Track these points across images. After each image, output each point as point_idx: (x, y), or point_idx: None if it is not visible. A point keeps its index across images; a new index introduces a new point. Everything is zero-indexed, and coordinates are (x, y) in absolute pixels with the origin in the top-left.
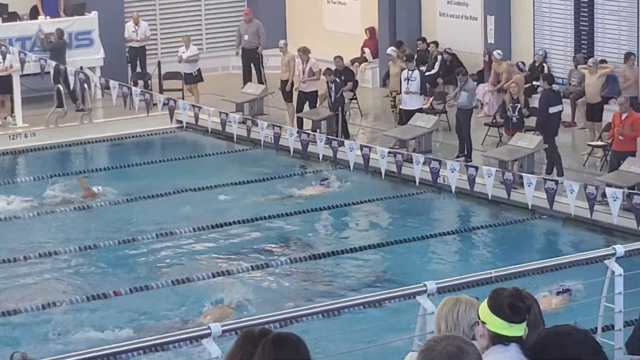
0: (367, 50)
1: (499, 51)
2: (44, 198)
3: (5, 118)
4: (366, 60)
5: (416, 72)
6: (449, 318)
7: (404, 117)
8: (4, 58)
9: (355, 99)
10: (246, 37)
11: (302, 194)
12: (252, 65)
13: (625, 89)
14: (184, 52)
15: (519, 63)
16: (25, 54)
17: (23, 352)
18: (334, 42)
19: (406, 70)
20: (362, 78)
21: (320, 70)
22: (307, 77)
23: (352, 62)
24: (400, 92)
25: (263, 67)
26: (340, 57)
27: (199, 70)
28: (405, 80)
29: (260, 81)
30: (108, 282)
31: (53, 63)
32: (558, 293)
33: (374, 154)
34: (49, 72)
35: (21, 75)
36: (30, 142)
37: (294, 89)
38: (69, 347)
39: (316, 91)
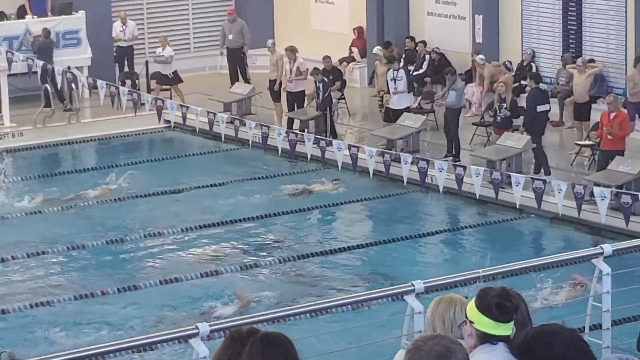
0: (355, 49)
1: (481, 56)
2: (31, 198)
3: None
4: (354, 60)
5: (401, 71)
6: (446, 318)
7: (392, 116)
8: None
9: (343, 98)
10: (230, 36)
11: (311, 189)
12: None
13: (633, 95)
14: (161, 52)
15: (506, 62)
16: (12, 54)
17: (10, 352)
18: (322, 41)
19: (391, 70)
20: (350, 78)
21: (307, 69)
22: (294, 76)
23: (340, 61)
24: (389, 92)
25: (247, 66)
26: (328, 57)
27: (174, 73)
28: (392, 80)
29: (246, 81)
30: (96, 281)
31: (40, 63)
32: (577, 284)
33: (362, 153)
34: (36, 72)
35: (8, 75)
36: (18, 142)
37: (281, 88)
38: (56, 347)
39: (303, 91)
